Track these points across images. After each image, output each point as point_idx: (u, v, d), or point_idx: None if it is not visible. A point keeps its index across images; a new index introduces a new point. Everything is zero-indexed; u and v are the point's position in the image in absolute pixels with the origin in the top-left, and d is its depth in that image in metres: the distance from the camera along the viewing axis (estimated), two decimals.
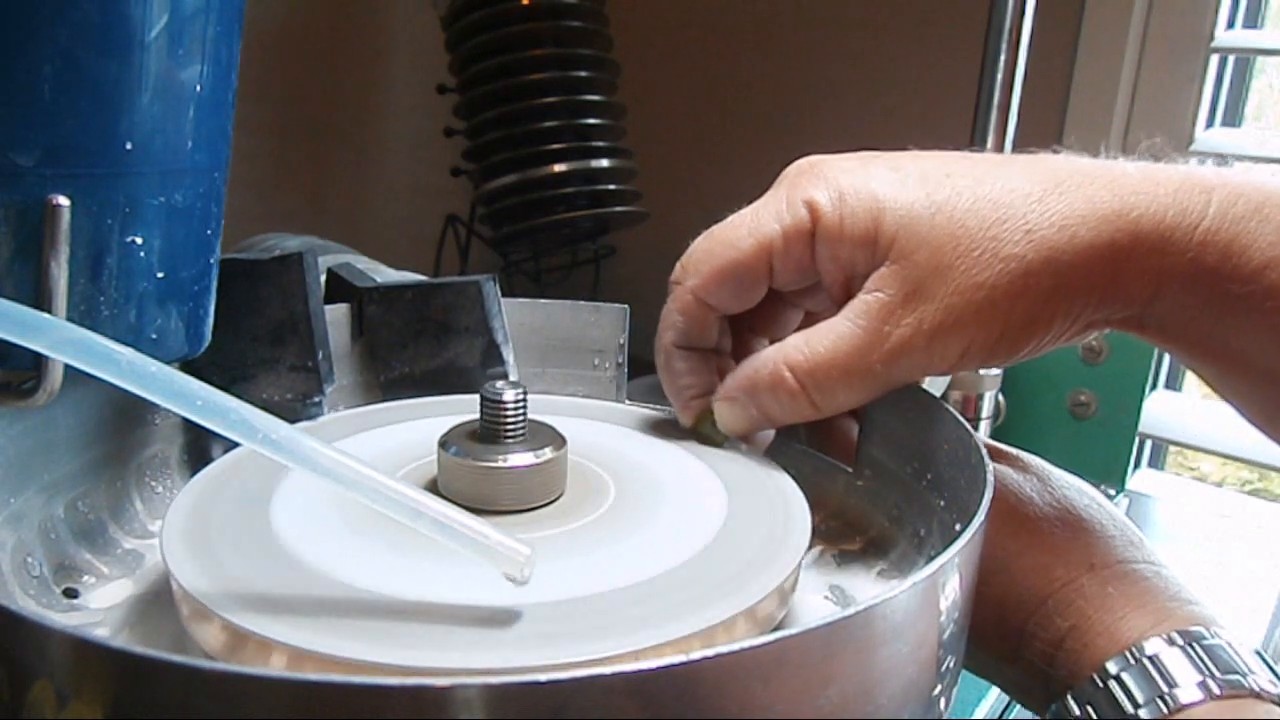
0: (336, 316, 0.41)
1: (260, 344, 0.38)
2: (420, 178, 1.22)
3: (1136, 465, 0.91)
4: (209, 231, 0.32)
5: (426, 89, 1.04)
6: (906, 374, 0.32)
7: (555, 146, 0.96)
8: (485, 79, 0.97)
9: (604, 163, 0.98)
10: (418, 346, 0.42)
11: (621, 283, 1.13)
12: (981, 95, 0.69)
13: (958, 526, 0.31)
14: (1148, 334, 0.32)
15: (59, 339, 0.25)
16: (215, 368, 0.37)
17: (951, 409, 0.34)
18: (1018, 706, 0.52)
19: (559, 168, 0.96)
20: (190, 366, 0.35)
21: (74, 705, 0.20)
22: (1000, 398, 0.77)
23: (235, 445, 0.28)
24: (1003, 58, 0.68)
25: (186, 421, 0.33)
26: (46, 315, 0.26)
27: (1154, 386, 0.91)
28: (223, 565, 0.27)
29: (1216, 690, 0.28)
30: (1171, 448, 0.97)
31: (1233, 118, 0.91)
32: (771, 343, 0.35)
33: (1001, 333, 0.31)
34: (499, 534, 0.25)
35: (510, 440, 0.31)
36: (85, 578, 0.32)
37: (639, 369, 0.45)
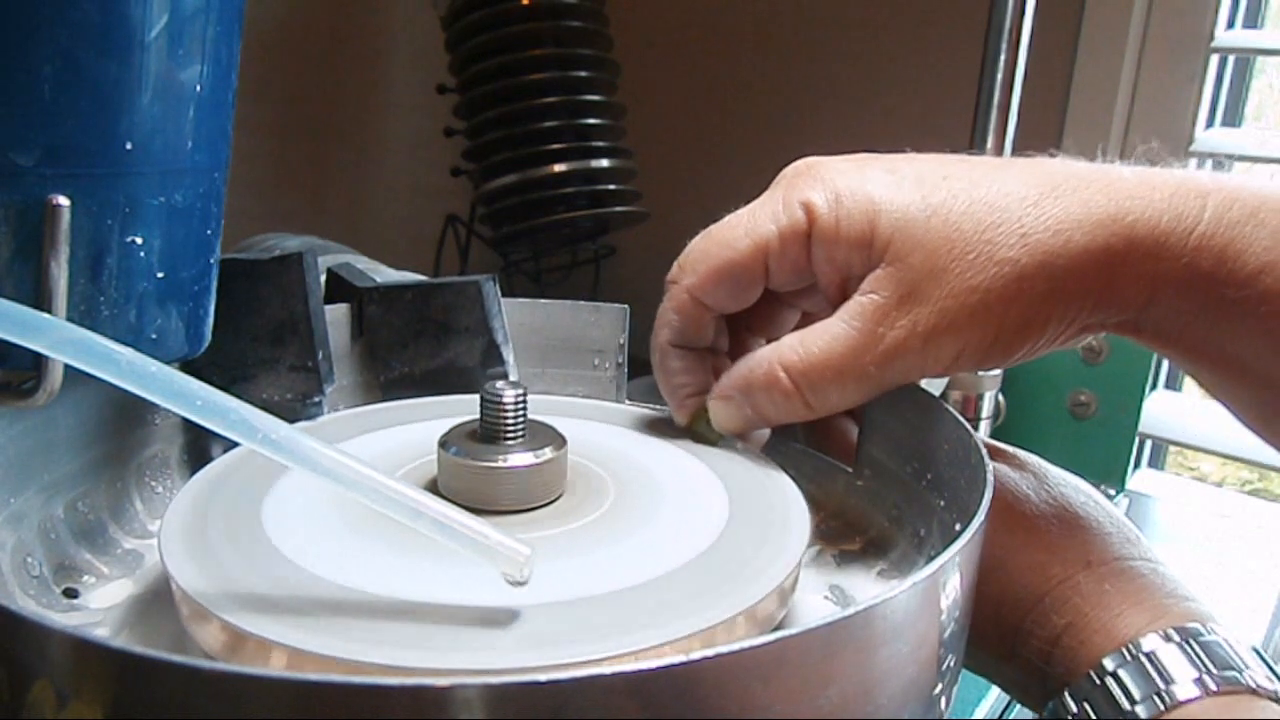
0: (336, 316, 0.41)
1: (260, 344, 0.38)
2: (420, 178, 1.22)
3: (1136, 465, 0.91)
4: (209, 231, 0.32)
5: (426, 89, 1.04)
6: (900, 376, 0.32)
7: (555, 146, 0.96)
8: (485, 79, 0.97)
9: (604, 163, 0.98)
10: (418, 346, 0.42)
11: (621, 283, 1.13)
12: (981, 95, 0.69)
13: (958, 526, 0.31)
14: (1143, 338, 0.32)
15: (59, 339, 0.25)
16: (215, 368, 0.37)
17: (951, 409, 0.34)
18: (1018, 706, 0.52)
19: (559, 168, 0.96)
20: (190, 366, 0.35)
21: (74, 705, 0.20)
22: (1000, 398, 0.77)
23: (235, 445, 0.28)
24: (1003, 58, 0.68)
25: (186, 421, 0.33)
26: (46, 315, 0.26)
27: (1154, 386, 0.91)
28: (222, 565, 0.27)
29: (1213, 687, 0.28)
30: (1171, 448, 0.97)
31: (1233, 118, 0.91)
32: (768, 342, 0.35)
33: (996, 336, 0.31)
34: (499, 534, 0.25)
35: (510, 440, 0.31)
36: (85, 578, 0.32)
37: (639, 369, 0.45)
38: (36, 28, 0.27)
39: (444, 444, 0.32)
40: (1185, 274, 0.30)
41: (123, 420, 0.36)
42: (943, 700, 0.27)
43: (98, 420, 0.35)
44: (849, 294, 0.33)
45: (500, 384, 0.32)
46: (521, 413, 0.32)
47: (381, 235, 1.22)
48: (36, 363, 0.28)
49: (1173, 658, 0.29)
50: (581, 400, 0.42)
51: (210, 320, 0.34)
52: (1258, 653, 0.29)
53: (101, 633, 0.30)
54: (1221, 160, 0.85)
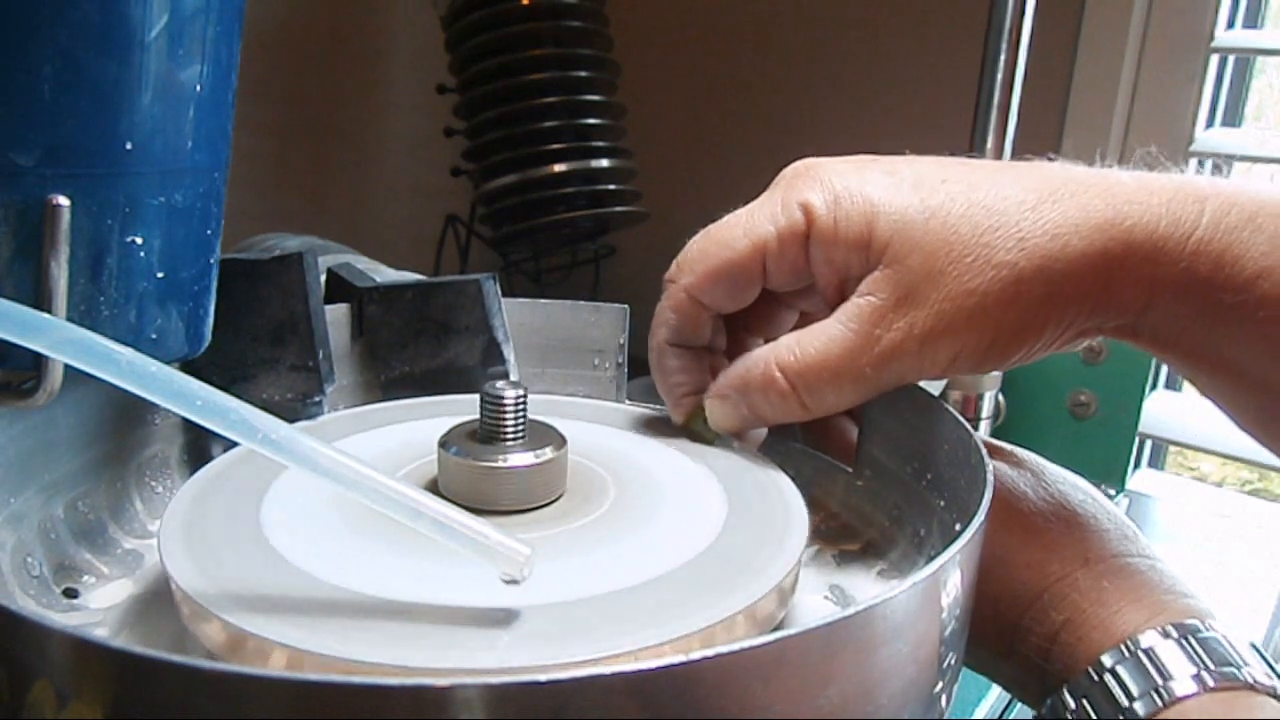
0: (336, 316, 0.41)
1: (260, 344, 0.38)
2: (420, 178, 1.22)
3: (1136, 465, 0.91)
4: (209, 231, 0.32)
5: (426, 89, 1.04)
6: (897, 378, 0.32)
7: (555, 146, 0.96)
8: (485, 79, 0.97)
9: (604, 163, 0.98)
10: (418, 346, 0.42)
11: (621, 283, 1.13)
12: (981, 95, 0.69)
13: (958, 526, 0.31)
14: (1141, 342, 0.32)
15: (59, 339, 0.25)
16: (215, 368, 0.37)
17: (951, 409, 0.34)
18: (1018, 705, 0.52)
19: (559, 168, 0.96)
20: (190, 366, 0.35)
21: (74, 705, 0.20)
22: (1000, 398, 0.77)
23: (235, 445, 0.28)
24: (1003, 58, 0.68)
25: (186, 421, 0.33)
26: (46, 315, 0.26)
27: (1154, 386, 0.91)
28: (222, 565, 0.27)
29: (1211, 683, 0.28)
30: (1171, 448, 0.97)
31: (1233, 118, 0.91)
32: (766, 342, 0.35)
33: (993, 339, 0.31)
34: (499, 534, 0.25)
35: (510, 440, 0.31)
36: (85, 578, 0.32)
37: (639, 369, 0.44)
38: (36, 28, 0.27)
39: (444, 444, 0.32)
40: (1183, 279, 0.30)
41: (123, 420, 0.36)
42: (943, 699, 0.27)
43: (98, 420, 0.35)
44: (847, 295, 0.33)
45: (500, 384, 0.32)
46: (521, 413, 0.32)
47: (381, 235, 1.22)
48: (36, 363, 0.28)
49: (1171, 654, 0.29)
50: (581, 400, 0.42)
51: (210, 320, 0.34)
52: (1256, 649, 0.29)
53: (101, 633, 0.30)
54: (1221, 160, 0.85)
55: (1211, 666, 0.28)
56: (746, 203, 0.35)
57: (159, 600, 0.32)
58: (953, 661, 0.27)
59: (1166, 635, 0.29)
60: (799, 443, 0.40)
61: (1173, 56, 0.86)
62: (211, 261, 0.33)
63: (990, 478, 0.28)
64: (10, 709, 0.21)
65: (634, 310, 0.44)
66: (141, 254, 0.30)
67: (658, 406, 0.39)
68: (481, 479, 0.31)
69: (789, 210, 0.33)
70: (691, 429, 0.37)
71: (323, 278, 0.42)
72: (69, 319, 0.28)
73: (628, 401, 0.44)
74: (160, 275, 0.31)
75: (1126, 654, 0.29)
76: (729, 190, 0.37)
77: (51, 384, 0.29)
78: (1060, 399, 0.78)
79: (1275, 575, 0.68)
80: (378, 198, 1.26)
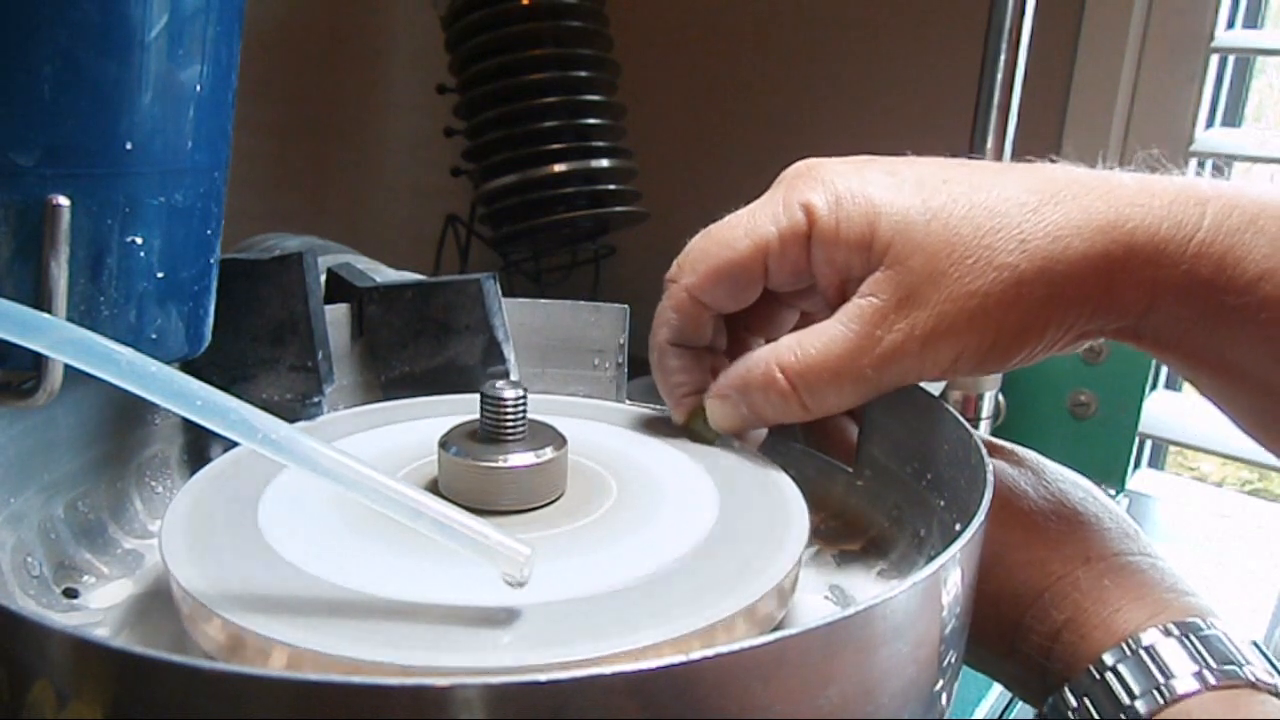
0: (336, 316, 0.41)
1: (260, 344, 0.38)
2: (420, 178, 1.22)
3: (1136, 465, 0.91)
4: (209, 231, 0.32)
5: (426, 89, 1.04)
6: (897, 379, 0.32)
7: (555, 146, 0.96)
8: (485, 79, 0.97)
9: (604, 163, 0.98)
10: (418, 346, 0.42)
11: (621, 283, 1.13)
12: (981, 95, 0.69)
13: (958, 526, 0.31)
14: (1143, 344, 0.32)
15: (59, 339, 0.25)
16: (215, 368, 0.37)
17: (951, 409, 0.34)
18: (1019, 705, 0.52)
19: (559, 168, 0.96)
20: (190, 366, 0.35)
21: (74, 705, 0.20)
22: (1000, 398, 0.77)
23: (235, 445, 0.28)
24: (1003, 58, 0.68)
25: (186, 421, 0.33)
26: (46, 315, 0.26)
27: (1154, 386, 0.91)
28: (222, 565, 0.27)
29: (1213, 681, 0.28)
30: (1171, 448, 0.97)
31: (1233, 118, 0.91)
32: (767, 342, 0.35)
33: (994, 341, 0.31)
34: (499, 534, 0.25)
35: (510, 440, 0.31)
36: (85, 578, 0.32)
37: (639, 369, 0.44)
38: (36, 28, 0.27)
39: (444, 444, 0.32)
40: (1184, 281, 0.30)
41: (123, 420, 0.36)
42: (943, 697, 0.27)
43: (98, 420, 0.35)
44: (848, 296, 0.33)
45: (500, 384, 0.32)
46: (521, 412, 0.32)
47: (381, 235, 1.22)
48: (36, 363, 0.28)
49: (1172, 652, 0.29)
50: (581, 400, 0.42)
51: (210, 320, 0.34)
52: (1257, 647, 0.29)
53: (101, 633, 0.30)
54: (1221, 161, 0.85)
55: (1213, 665, 0.28)
56: (746, 203, 0.35)
57: (159, 600, 0.32)
58: (953, 660, 0.27)
59: (1168, 633, 0.29)
60: (799, 443, 0.40)
61: (1173, 56, 0.86)
62: (211, 261, 0.33)
63: (990, 477, 0.28)
64: (10, 709, 0.21)
65: (634, 310, 0.44)
66: (141, 254, 0.30)
67: (658, 406, 0.39)
68: (481, 479, 0.31)
69: (791, 210, 0.33)
70: (692, 429, 0.37)
71: (323, 278, 0.42)
72: (69, 319, 0.28)
73: (628, 401, 0.44)
74: (160, 275, 0.31)
75: (1128, 652, 0.29)
76: (729, 190, 0.37)
77: (51, 384, 0.29)
78: (1060, 399, 0.78)
79: (1275, 575, 0.68)
80: (378, 198, 1.26)
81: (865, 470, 0.38)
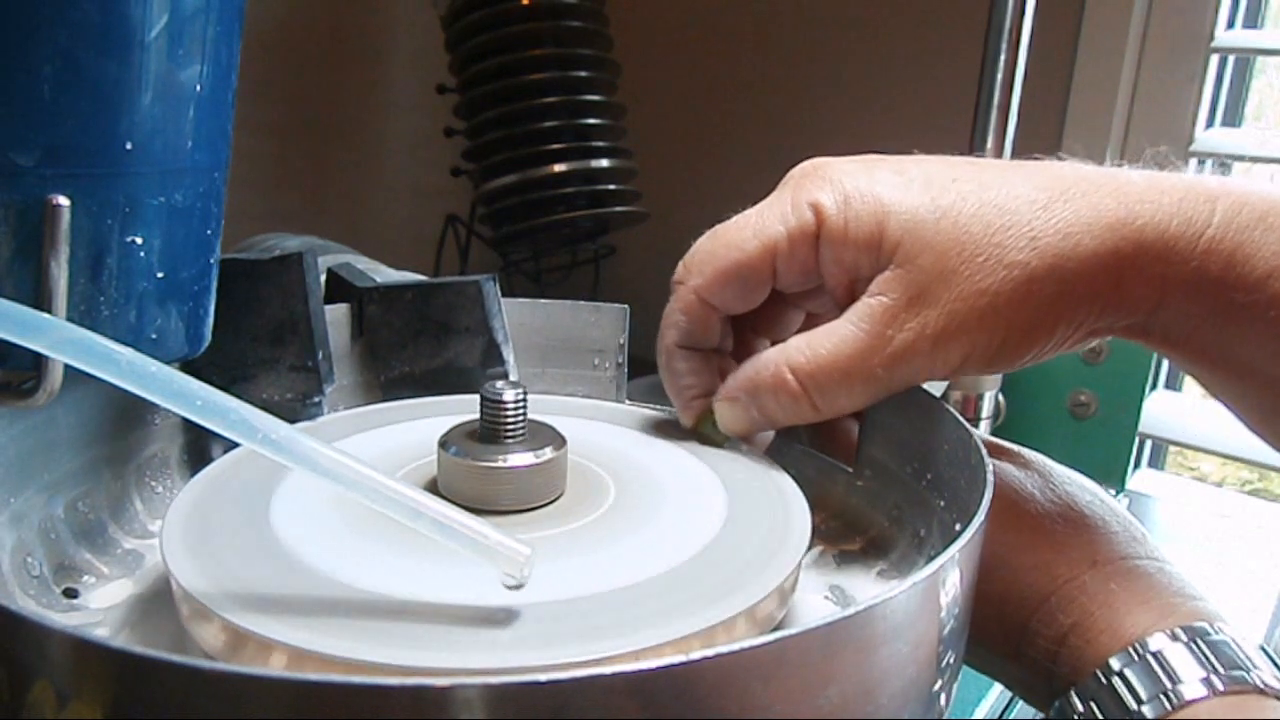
0: (336, 316, 0.41)
1: (260, 344, 0.38)
2: (420, 178, 1.22)
3: (1136, 465, 0.91)
4: (209, 231, 0.32)
5: (426, 89, 1.04)
6: (908, 378, 0.32)
7: (555, 146, 0.96)
8: (485, 79, 0.97)
9: (604, 163, 0.98)
10: (418, 346, 0.42)
11: (621, 283, 1.13)
12: (981, 95, 0.69)
13: (958, 526, 0.31)
14: (1151, 342, 0.32)
15: (59, 339, 0.25)
16: (215, 368, 0.37)
17: (952, 409, 0.34)
18: (1019, 706, 0.52)
19: (559, 168, 0.96)
20: (190, 366, 0.35)
21: (74, 705, 0.20)
22: (1000, 398, 0.77)
23: (235, 445, 0.28)
24: (1003, 58, 0.68)
25: (186, 421, 0.33)
26: (46, 315, 0.26)
27: (1154, 386, 0.91)
28: (223, 565, 0.27)
29: (1220, 686, 0.28)
30: (1171, 448, 0.97)
31: (1233, 118, 0.91)
32: (773, 344, 0.35)
33: (1004, 339, 0.31)
34: (499, 534, 0.25)
35: (510, 440, 0.31)
36: (85, 578, 0.32)
37: (639, 369, 0.45)
38: (36, 28, 0.27)
39: (444, 444, 0.32)
40: (1194, 278, 0.30)
41: (123, 420, 0.36)
42: (943, 697, 0.27)
43: (98, 420, 0.35)
44: (857, 296, 0.32)
45: (500, 384, 0.32)
46: (521, 413, 0.32)
47: (381, 235, 1.22)
48: (36, 363, 0.28)
49: (1180, 657, 0.28)
50: (581, 400, 0.42)
51: (210, 320, 0.34)
52: (1265, 652, 0.29)
53: (101, 633, 0.30)
54: (1221, 160, 0.85)
55: (1221, 669, 0.28)
56: (747, 202, 0.35)
57: (159, 600, 0.32)
58: (952, 660, 0.27)
59: (1175, 638, 0.29)
60: (801, 443, 0.40)
61: (1173, 56, 0.86)
62: (211, 261, 0.33)
63: (990, 478, 0.28)
64: (10, 709, 0.21)
65: (634, 310, 0.44)
66: (141, 254, 0.30)
67: (658, 406, 0.39)
68: (481, 479, 0.31)
69: (799, 210, 0.33)
70: (701, 432, 0.36)
71: (323, 278, 0.42)
72: (69, 319, 0.28)
73: (628, 401, 0.44)
74: (160, 275, 0.31)
75: (1135, 657, 0.29)
76: (729, 190, 0.37)
77: (51, 384, 0.29)
78: (1060, 399, 0.78)
79: (1275, 575, 0.68)
80: (378, 198, 1.26)
81: (865, 470, 0.38)
